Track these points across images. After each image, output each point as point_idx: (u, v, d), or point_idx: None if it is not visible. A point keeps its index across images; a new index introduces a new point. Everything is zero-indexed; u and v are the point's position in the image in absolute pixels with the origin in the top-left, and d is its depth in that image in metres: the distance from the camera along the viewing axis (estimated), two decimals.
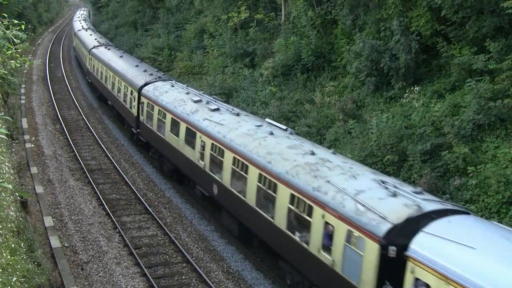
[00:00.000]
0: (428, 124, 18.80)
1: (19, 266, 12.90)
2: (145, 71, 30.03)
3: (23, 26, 11.75)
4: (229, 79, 33.11)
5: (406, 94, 21.09)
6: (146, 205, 21.15)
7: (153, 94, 24.84)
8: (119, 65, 33.01)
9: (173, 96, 23.28)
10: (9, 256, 12.92)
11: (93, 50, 41.90)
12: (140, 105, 26.22)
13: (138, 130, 26.95)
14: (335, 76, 26.52)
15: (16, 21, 11.83)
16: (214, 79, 33.56)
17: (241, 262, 17.27)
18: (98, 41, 46.13)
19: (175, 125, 21.79)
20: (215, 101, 21.87)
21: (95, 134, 31.09)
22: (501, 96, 17.20)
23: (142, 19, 59.91)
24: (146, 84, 26.47)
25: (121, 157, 27.65)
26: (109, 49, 41.25)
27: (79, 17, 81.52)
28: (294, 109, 25.83)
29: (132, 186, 23.11)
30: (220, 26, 38.35)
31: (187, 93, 23.34)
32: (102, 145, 28.95)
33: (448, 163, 17.01)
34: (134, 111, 27.24)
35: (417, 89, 20.83)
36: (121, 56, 36.75)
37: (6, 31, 11.46)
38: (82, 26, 62.44)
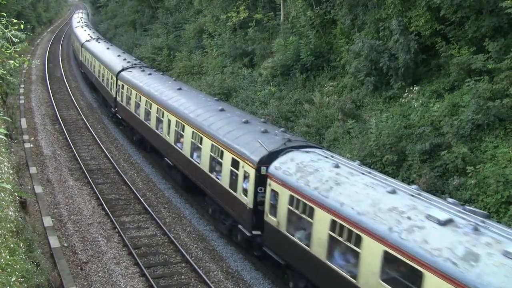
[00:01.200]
0: (427, 124, 18.80)
1: (18, 266, 12.89)
2: (246, 122, 18.62)
3: (22, 26, 11.74)
4: (228, 79, 33.10)
5: (405, 94, 21.08)
6: (145, 205, 21.13)
7: (302, 180, 14.03)
8: (193, 111, 21.26)
9: (359, 195, 12.48)
10: (8, 256, 12.91)
11: (123, 73, 30.96)
12: (271, 195, 15.13)
13: (257, 233, 16.06)
14: (334, 76, 26.52)
15: (15, 21, 11.82)
16: (213, 79, 33.57)
17: (241, 262, 17.26)
18: (127, 61, 33.94)
19: (394, 267, 11.25)
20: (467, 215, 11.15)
21: (94, 134, 31.07)
22: (500, 96, 17.20)
23: (141, 19, 59.96)
24: (272, 156, 15.63)
25: (120, 157, 27.63)
26: (149, 73, 29.61)
27: (79, 21, 70.75)
28: (293, 109, 25.84)
29: (131, 186, 23.09)
30: (219, 26, 38.35)
31: (393, 192, 12.26)
32: (101, 145, 28.93)
33: (447, 163, 17.01)
34: (248, 200, 16.12)
35: (416, 89, 20.83)
36: (179, 88, 25.06)
37: (5, 30, 11.46)
38: (89, 35, 51.94)
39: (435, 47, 20.54)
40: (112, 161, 26.36)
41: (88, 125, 33.16)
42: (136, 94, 27.61)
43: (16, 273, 12.36)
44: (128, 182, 23.52)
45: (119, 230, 18.75)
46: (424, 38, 20.99)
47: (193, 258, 17.17)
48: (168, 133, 22.81)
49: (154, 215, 20.18)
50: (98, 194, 21.86)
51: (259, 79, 30.76)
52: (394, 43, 21.34)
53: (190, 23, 45.55)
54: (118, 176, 24.57)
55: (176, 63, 41.78)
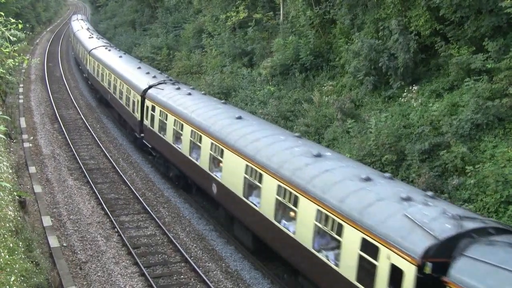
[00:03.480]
0: (426, 124, 18.80)
1: (17, 265, 12.88)
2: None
3: (20, 25, 11.74)
4: (228, 78, 33.10)
5: (405, 94, 21.10)
6: (145, 204, 21.12)
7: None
8: None
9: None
10: (7, 256, 12.91)
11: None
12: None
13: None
14: (334, 76, 26.54)
15: (13, 20, 11.81)
16: (212, 79, 33.55)
17: (240, 261, 17.26)
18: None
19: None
20: None
21: (94, 134, 31.05)
22: (499, 96, 17.21)
23: (140, 19, 59.97)
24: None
25: (119, 156, 27.61)
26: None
27: (91, 36, 49.18)
28: (292, 108, 25.83)
29: (131, 186, 23.08)
30: (218, 26, 38.35)
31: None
32: (101, 145, 28.91)
33: (447, 163, 17.02)
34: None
35: (416, 88, 20.84)
36: None
37: (3, 29, 11.45)
38: (152, 75, 27.22)
39: (435, 47, 20.55)
40: (111, 160, 26.35)
41: (87, 124, 33.14)
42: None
43: (16, 272, 12.36)
44: (127, 182, 23.51)
45: (119, 229, 18.74)
46: (423, 37, 21.00)
47: (192, 258, 17.17)
48: None
49: (153, 215, 20.17)
50: (98, 194, 21.85)
51: (258, 78, 30.76)
52: (394, 43, 21.35)
53: (190, 23, 45.55)
54: (117, 176, 24.56)
55: (175, 63, 41.78)
